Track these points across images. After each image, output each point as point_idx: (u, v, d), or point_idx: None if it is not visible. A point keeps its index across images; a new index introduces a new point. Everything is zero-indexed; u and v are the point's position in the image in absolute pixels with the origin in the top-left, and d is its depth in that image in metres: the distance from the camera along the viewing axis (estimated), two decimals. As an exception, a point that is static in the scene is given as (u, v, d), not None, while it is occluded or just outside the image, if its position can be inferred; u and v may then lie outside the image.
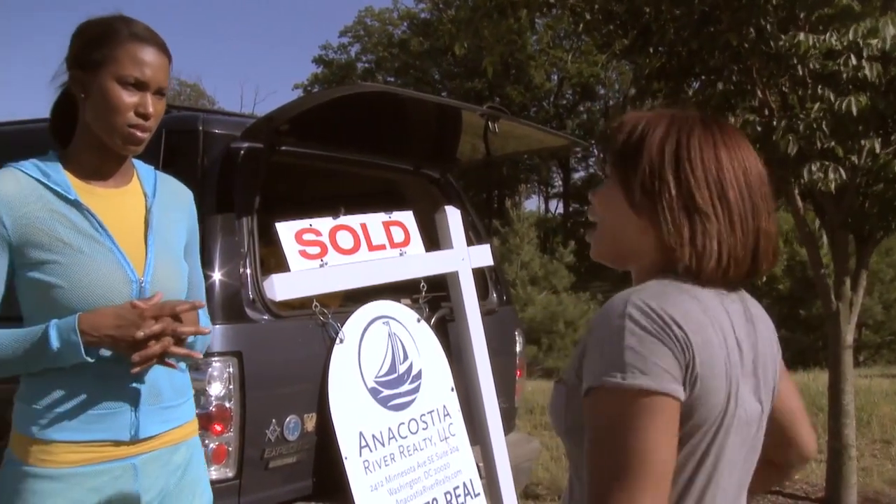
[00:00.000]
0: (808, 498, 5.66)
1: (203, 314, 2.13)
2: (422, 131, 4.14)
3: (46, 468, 1.86)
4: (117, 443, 1.92)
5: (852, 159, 4.89)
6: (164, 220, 2.05)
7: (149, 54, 1.92)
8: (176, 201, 2.13)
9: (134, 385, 1.93)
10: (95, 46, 1.91)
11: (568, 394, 1.33)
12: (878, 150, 4.75)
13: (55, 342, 1.80)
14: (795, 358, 16.95)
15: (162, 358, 1.89)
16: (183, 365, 2.06)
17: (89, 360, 1.83)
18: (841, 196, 5.18)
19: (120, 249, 1.93)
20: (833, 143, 4.70)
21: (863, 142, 4.72)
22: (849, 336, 5.48)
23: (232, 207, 2.96)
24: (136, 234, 1.99)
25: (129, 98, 1.90)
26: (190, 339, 1.96)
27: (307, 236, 3.14)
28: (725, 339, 1.28)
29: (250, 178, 3.07)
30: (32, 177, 1.89)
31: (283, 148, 3.28)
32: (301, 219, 3.17)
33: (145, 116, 1.92)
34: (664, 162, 1.31)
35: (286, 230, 3.09)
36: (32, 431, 1.88)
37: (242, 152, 3.07)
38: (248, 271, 2.94)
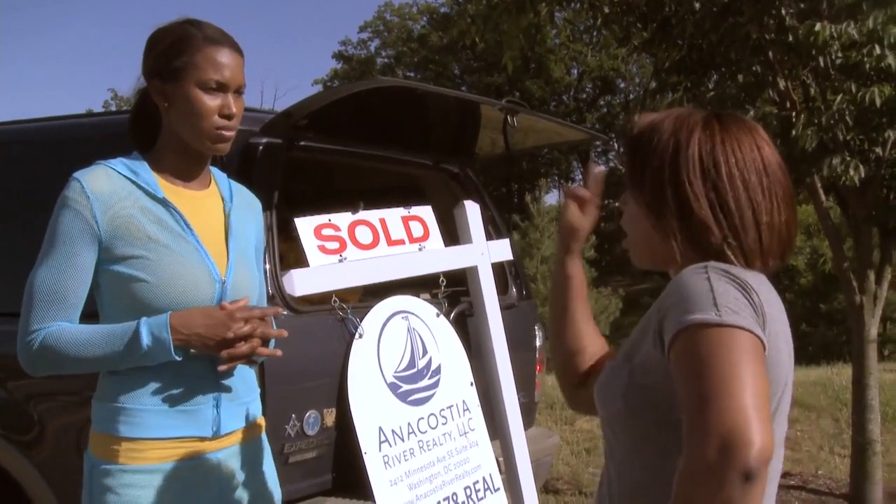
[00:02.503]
0: (832, 493, 5.61)
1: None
2: (441, 126, 4.14)
3: (135, 465, 1.88)
4: (201, 439, 1.95)
5: (877, 151, 4.83)
6: (241, 226, 2.10)
7: (225, 56, 1.95)
8: (249, 209, 2.17)
9: (214, 382, 1.96)
10: (173, 55, 1.93)
11: (632, 371, 1.33)
12: None
13: (146, 339, 1.83)
14: (818, 352, 16.84)
15: (249, 358, 1.94)
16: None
17: (177, 358, 1.86)
18: (865, 189, 5.13)
19: (205, 249, 1.96)
20: (856, 135, 4.64)
21: (887, 133, 4.67)
22: (873, 330, 5.43)
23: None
24: (217, 236, 2.02)
25: (212, 101, 1.93)
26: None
27: (326, 231, 3.14)
28: (784, 319, 1.32)
29: (269, 173, 3.08)
30: (122, 174, 1.92)
31: (302, 143, 3.29)
32: (320, 214, 3.17)
33: (230, 117, 1.95)
34: (664, 179, 1.36)
35: (305, 225, 3.09)
36: (119, 430, 1.89)
37: (261, 147, 3.08)
38: (267, 266, 2.94)
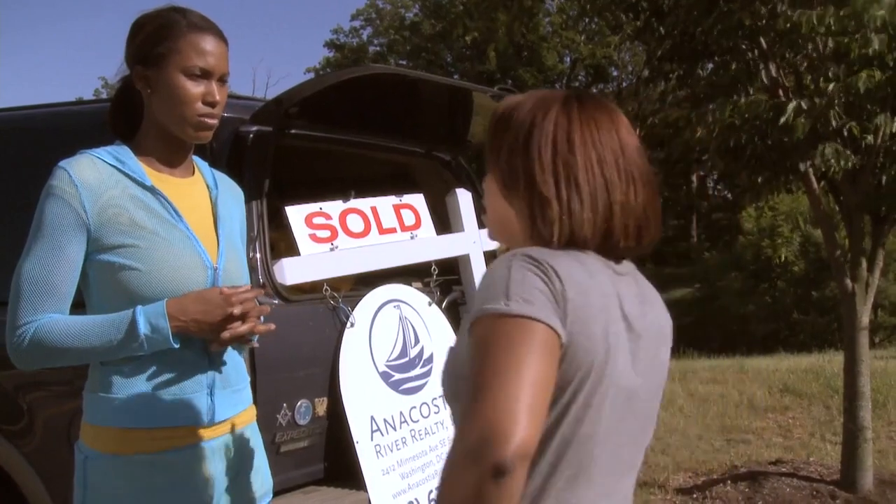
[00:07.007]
0: (823, 480, 5.63)
1: None
2: (433, 114, 4.12)
3: (129, 454, 1.87)
4: (196, 427, 1.94)
5: (868, 139, 4.82)
6: (227, 213, 2.09)
7: (209, 43, 1.94)
8: (232, 197, 2.17)
9: (207, 370, 1.96)
10: (157, 41, 1.92)
11: (453, 360, 1.36)
12: (891, 128, 4.67)
13: (144, 328, 1.81)
14: (809, 340, 16.92)
15: (247, 338, 1.93)
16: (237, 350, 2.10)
17: (175, 346, 1.85)
18: (857, 177, 5.13)
19: (195, 236, 1.95)
20: (849, 122, 4.63)
21: (877, 120, 4.66)
22: (864, 317, 5.43)
23: (241, 191, 2.95)
24: (206, 223, 2.02)
25: (195, 88, 1.92)
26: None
27: (317, 220, 3.13)
28: (608, 307, 1.30)
29: (259, 161, 3.06)
30: (108, 163, 1.91)
31: (293, 131, 3.27)
32: (311, 202, 3.15)
33: (213, 104, 1.94)
34: (516, 152, 1.37)
35: (296, 214, 3.08)
36: (112, 420, 1.88)
37: (252, 136, 3.05)
38: (259, 255, 2.93)
